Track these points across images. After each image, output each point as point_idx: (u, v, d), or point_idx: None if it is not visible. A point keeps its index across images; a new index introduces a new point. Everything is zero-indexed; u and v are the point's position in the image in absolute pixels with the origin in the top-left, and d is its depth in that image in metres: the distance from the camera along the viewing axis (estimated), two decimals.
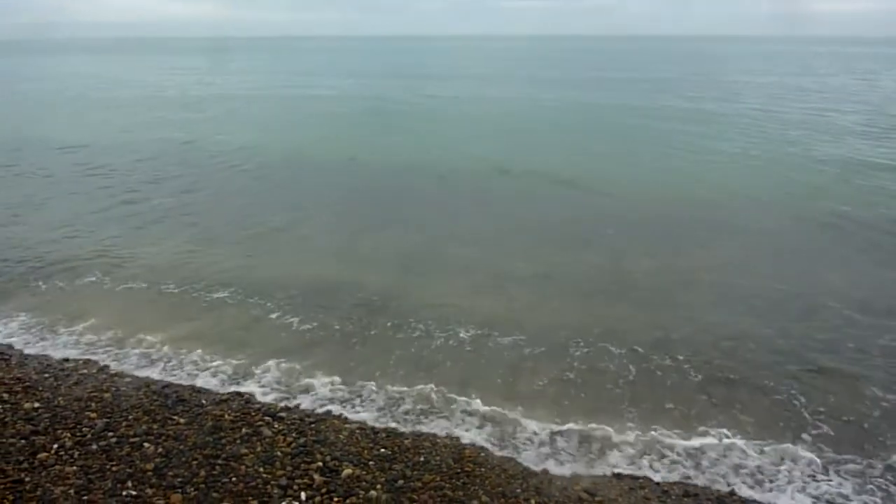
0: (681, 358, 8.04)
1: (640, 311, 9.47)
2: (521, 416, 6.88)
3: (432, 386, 7.36)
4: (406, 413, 6.94)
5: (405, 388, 7.37)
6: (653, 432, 6.63)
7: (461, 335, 8.59)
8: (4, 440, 5.94)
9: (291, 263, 11.26)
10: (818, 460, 6.21)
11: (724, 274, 10.88)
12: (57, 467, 5.56)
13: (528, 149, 22.20)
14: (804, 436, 6.61)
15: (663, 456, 6.31)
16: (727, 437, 6.57)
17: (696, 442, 6.50)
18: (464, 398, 7.16)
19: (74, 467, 5.58)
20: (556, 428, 6.68)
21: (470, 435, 6.55)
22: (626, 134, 25.43)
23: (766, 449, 6.39)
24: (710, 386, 7.50)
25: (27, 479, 5.34)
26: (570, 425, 6.71)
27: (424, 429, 6.65)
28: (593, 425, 6.70)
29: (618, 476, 6.03)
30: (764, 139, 23.22)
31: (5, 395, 6.84)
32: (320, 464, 5.84)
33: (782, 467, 6.14)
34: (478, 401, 7.11)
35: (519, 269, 11.09)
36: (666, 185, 16.98)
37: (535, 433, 6.59)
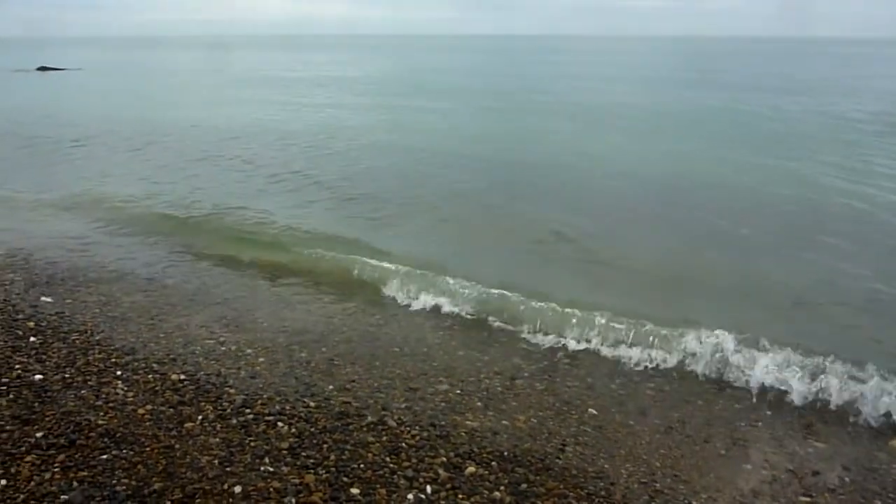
0: None
1: (773, 316, 9.08)
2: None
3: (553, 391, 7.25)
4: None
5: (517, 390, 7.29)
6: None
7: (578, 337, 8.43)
8: (156, 408, 6.40)
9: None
10: None
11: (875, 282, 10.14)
12: (202, 437, 5.93)
13: (668, 151, 21.48)
14: None
15: None
16: None
17: None
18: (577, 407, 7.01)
19: (217, 439, 5.93)
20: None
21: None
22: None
23: None
24: None
25: (177, 445, 5.73)
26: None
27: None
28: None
29: None
30: None
31: (155, 366, 7.38)
32: (444, 459, 5.90)
33: None
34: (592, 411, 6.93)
35: (646, 267, 10.85)
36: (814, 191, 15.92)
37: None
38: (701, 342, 7.92)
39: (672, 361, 7.89)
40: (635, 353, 8.01)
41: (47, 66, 65.89)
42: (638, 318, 8.56)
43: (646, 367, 7.88)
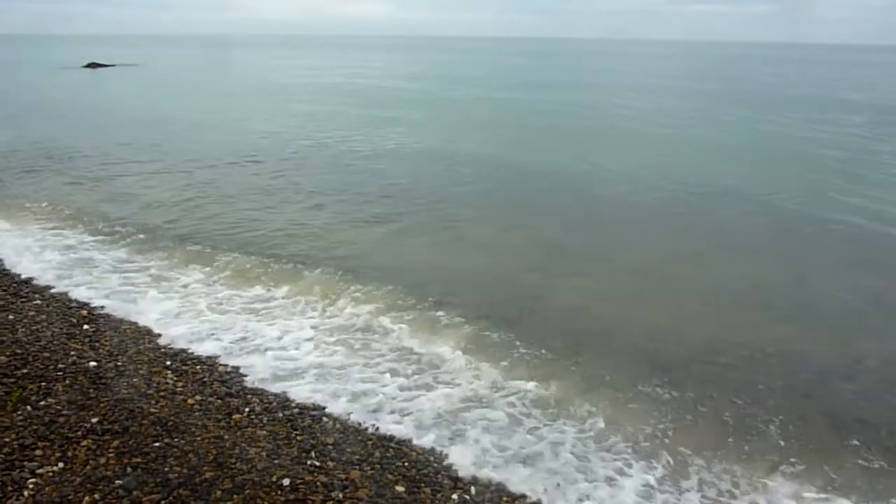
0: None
1: (825, 335, 8.78)
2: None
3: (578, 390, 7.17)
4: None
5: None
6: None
7: (623, 344, 8.31)
8: (205, 398, 6.52)
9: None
10: None
11: None
12: (249, 429, 6.02)
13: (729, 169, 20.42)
14: None
15: None
16: None
17: None
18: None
19: (264, 431, 6.02)
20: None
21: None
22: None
23: None
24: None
25: (226, 436, 5.82)
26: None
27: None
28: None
29: None
30: None
31: (203, 356, 7.53)
32: None
33: None
34: (632, 431, 6.82)
35: (691, 278, 10.63)
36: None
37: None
38: None
39: None
40: None
41: (98, 62, 67.70)
42: None
43: None
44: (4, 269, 10.01)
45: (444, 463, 5.79)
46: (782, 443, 6.33)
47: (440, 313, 8.80)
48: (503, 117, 32.24)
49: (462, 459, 5.81)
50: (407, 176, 17.49)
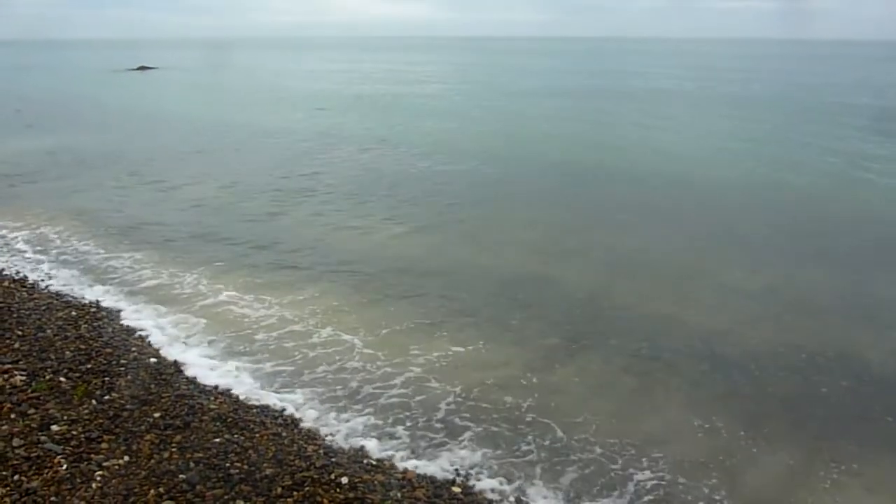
0: None
1: (880, 337, 8.51)
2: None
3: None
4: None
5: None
6: None
7: (672, 349, 8.12)
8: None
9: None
10: None
11: None
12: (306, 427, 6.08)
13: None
14: None
15: None
16: None
17: None
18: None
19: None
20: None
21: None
22: None
23: None
24: None
25: (283, 433, 5.89)
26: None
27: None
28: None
29: None
30: None
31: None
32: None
33: None
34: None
35: (740, 280, 10.34)
36: None
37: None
38: None
39: None
40: None
41: (146, 65, 69.85)
42: None
43: None
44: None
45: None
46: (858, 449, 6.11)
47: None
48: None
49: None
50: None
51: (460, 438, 6.02)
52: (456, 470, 5.55)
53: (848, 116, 29.22)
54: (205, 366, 7.12)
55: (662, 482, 5.54)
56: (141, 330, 7.98)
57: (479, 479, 5.45)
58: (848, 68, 75.06)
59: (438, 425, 6.22)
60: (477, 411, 6.46)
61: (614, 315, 9.02)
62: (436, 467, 5.56)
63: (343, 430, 6.08)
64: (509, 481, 5.45)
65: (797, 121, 28.76)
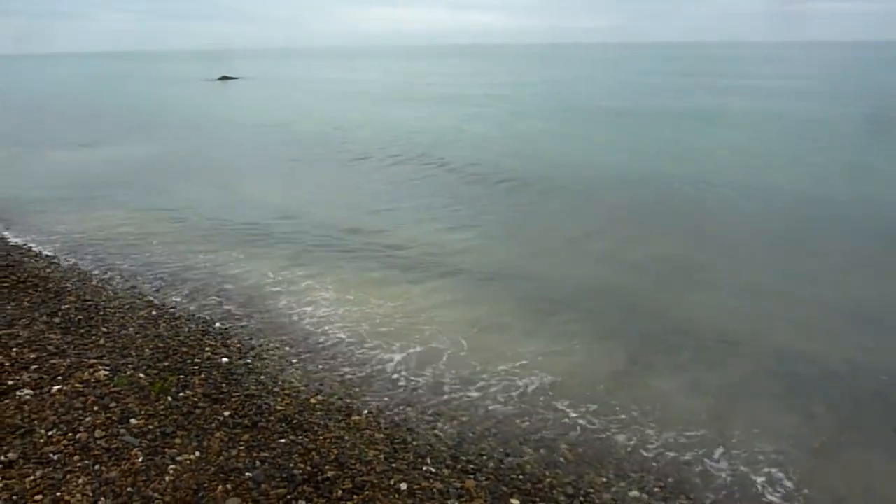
0: None
1: None
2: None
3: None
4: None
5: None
6: None
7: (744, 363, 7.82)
8: (326, 398, 6.76)
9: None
10: None
11: None
12: (368, 432, 6.17)
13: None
14: None
15: None
16: None
17: None
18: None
19: (381, 434, 6.15)
20: None
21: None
22: None
23: None
24: None
25: (346, 437, 6.00)
26: None
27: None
28: None
29: None
30: None
31: (324, 354, 7.82)
32: (604, 479, 5.71)
33: None
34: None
35: (813, 295, 9.88)
36: None
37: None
38: None
39: None
40: None
41: (227, 76, 73.25)
42: None
43: None
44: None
45: (559, 478, 5.67)
46: None
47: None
48: None
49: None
50: None
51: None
52: (517, 482, 5.53)
53: None
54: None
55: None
56: (215, 331, 8.32)
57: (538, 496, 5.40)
58: None
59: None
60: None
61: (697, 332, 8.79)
62: (495, 480, 5.55)
63: (408, 438, 6.14)
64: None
65: None
